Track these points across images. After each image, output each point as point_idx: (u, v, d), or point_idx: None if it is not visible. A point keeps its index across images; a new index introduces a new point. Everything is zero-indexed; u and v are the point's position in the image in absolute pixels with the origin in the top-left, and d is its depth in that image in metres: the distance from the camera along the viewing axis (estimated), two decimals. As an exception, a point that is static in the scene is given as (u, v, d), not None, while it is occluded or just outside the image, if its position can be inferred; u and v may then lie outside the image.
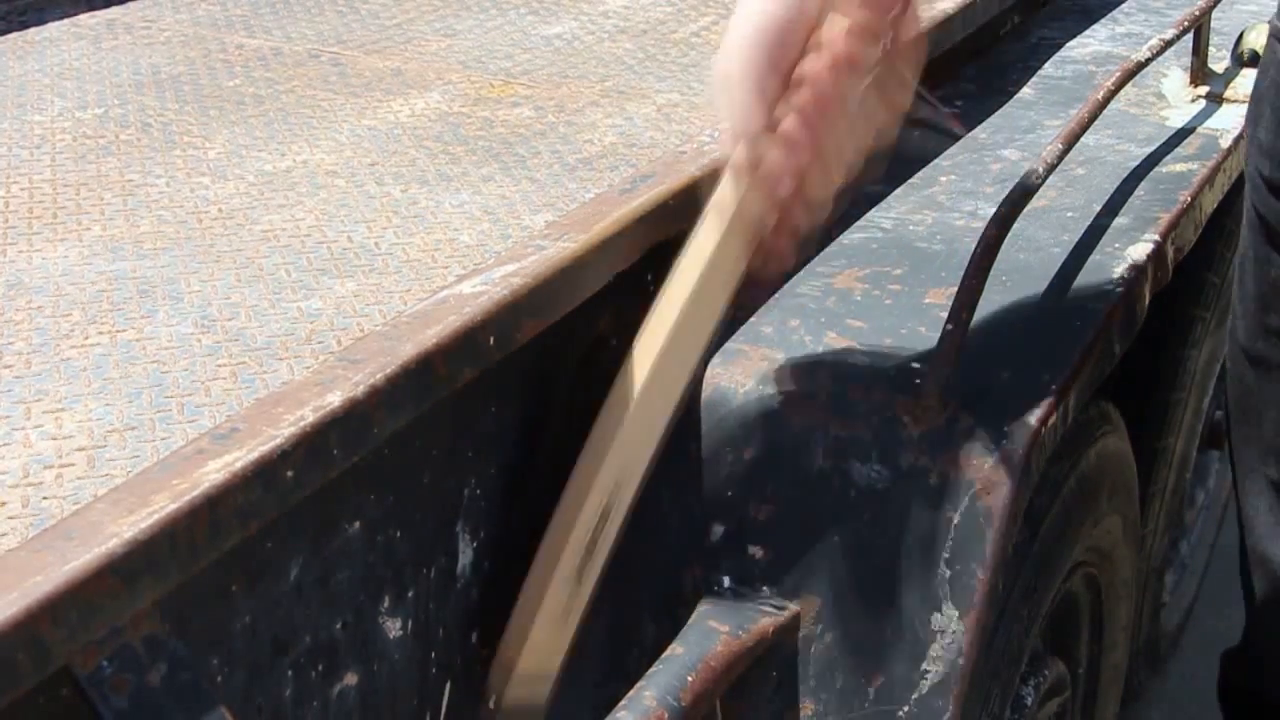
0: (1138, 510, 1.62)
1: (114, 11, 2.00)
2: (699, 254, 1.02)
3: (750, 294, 1.13)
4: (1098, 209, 1.42)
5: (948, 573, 1.10)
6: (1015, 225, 1.21)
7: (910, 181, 1.50)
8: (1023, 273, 1.30)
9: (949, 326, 1.13)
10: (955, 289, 1.14)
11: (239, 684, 0.92)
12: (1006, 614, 1.25)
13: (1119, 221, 1.40)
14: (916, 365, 1.16)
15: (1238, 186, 1.76)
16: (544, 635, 1.07)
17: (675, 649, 1.10)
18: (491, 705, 1.09)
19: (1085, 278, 1.30)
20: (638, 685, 1.06)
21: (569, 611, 1.07)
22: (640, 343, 1.05)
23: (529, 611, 1.07)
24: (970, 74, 1.83)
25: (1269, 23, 1.27)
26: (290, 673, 0.96)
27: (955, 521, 1.10)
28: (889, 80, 0.98)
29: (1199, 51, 1.75)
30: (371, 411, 0.93)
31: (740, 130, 0.96)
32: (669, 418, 1.07)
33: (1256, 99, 1.29)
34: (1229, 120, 1.66)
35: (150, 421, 1.03)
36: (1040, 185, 1.27)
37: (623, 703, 1.04)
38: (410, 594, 1.07)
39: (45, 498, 0.95)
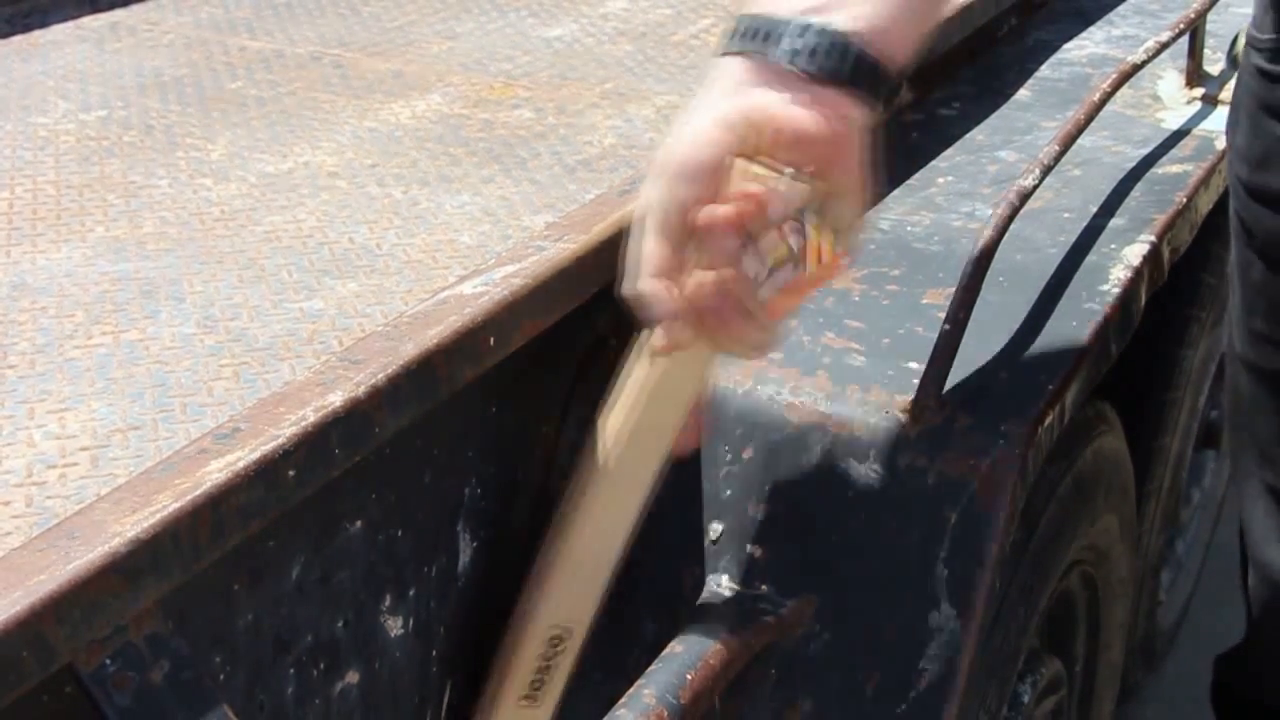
0: (1134, 509, 1.62)
1: (117, 14, 2.01)
2: (639, 392, 1.00)
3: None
4: (1094, 210, 1.43)
5: (945, 572, 1.11)
6: (1012, 226, 1.22)
7: (908, 183, 1.51)
8: (1020, 273, 1.30)
9: (946, 327, 1.13)
10: (953, 290, 1.15)
11: (241, 682, 0.93)
12: (1004, 613, 1.26)
13: (1115, 222, 1.41)
14: (914, 365, 1.17)
15: (1234, 188, 1.76)
16: None
17: (675, 647, 1.11)
18: None
19: (1082, 278, 1.30)
20: (637, 684, 1.07)
21: None
22: (584, 476, 1.02)
23: None
24: (968, 76, 1.83)
25: (1246, 31, 1.28)
26: (292, 671, 0.97)
27: (953, 521, 1.11)
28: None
29: (1194, 54, 1.75)
30: (373, 411, 0.94)
31: (648, 272, 0.94)
32: (614, 563, 1.06)
33: (1234, 106, 1.30)
34: (1224, 122, 1.67)
35: (153, 421, 1.04)
36: (1037, 186, 1.27)
37: (622, 701, 1.05)
38: (411, 593, 1.07)
39: (49, 497, 0.95)
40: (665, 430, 1.03)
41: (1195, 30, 1.73)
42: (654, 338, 0.97)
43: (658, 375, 0.99)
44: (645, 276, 0.94)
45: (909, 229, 1.40)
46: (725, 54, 0.94)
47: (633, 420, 1.01)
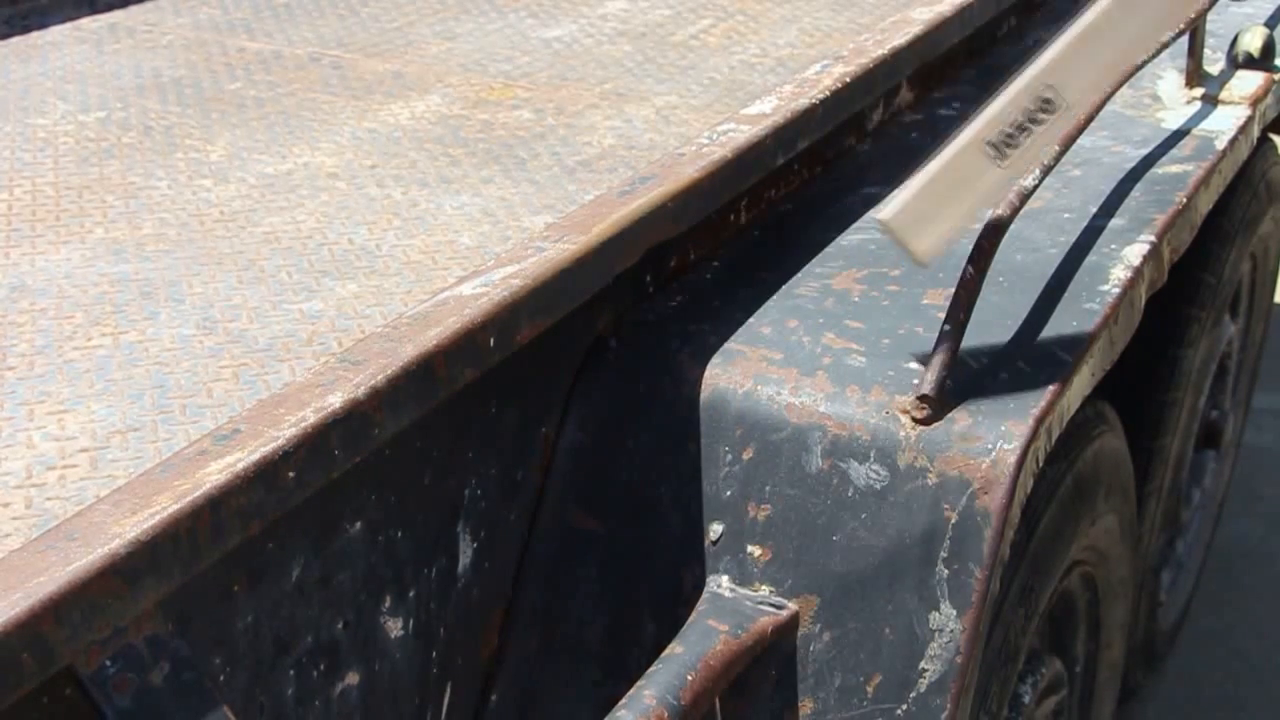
0: (1134, 510, 1.62)
1: (116, 15, 2.01)
2: None
3: None
4: (1094, 210, 1.43)
5: (945, 572, 1.10)
6: (1012, 226, 1.22)
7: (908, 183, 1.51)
8: (1020, 274, 1.30)
9: (946, 327, 1.13)
10: (953, 290, 1.15)
11: (241, 683, 0.93)
12: (1004, 613, 1.26)
13: (1115, 223, 1.41)
14: (914, 366, 1.17)
15: (1233, 188, 1.76)
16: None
17: (675, 648, 1.10)
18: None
19: (1082, 278, 1.30)
20: (638, 684, 1.07)
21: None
22: None
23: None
24: (968, 75, 1.83)
25: None
26: (292, 672, 0.97)
27: (953, 521, 1.10)
28: None
29: (1194, 54, 1.75)
30: (372, 412, 0.94)
31: None
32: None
33: None
34: (1224, 122, 1.67)
35: (152, 423, 1.04)
36: (1037, 186, 1.27)
37: (623, 701, 1.05)
38: (411, 594, 1.07)
39: (48, 498, 0.95)
40: None
41: (1195, 30, 1.73)
42: None
43: None
44: None
45: (909, 229, 1.40)
46: None
47: None
